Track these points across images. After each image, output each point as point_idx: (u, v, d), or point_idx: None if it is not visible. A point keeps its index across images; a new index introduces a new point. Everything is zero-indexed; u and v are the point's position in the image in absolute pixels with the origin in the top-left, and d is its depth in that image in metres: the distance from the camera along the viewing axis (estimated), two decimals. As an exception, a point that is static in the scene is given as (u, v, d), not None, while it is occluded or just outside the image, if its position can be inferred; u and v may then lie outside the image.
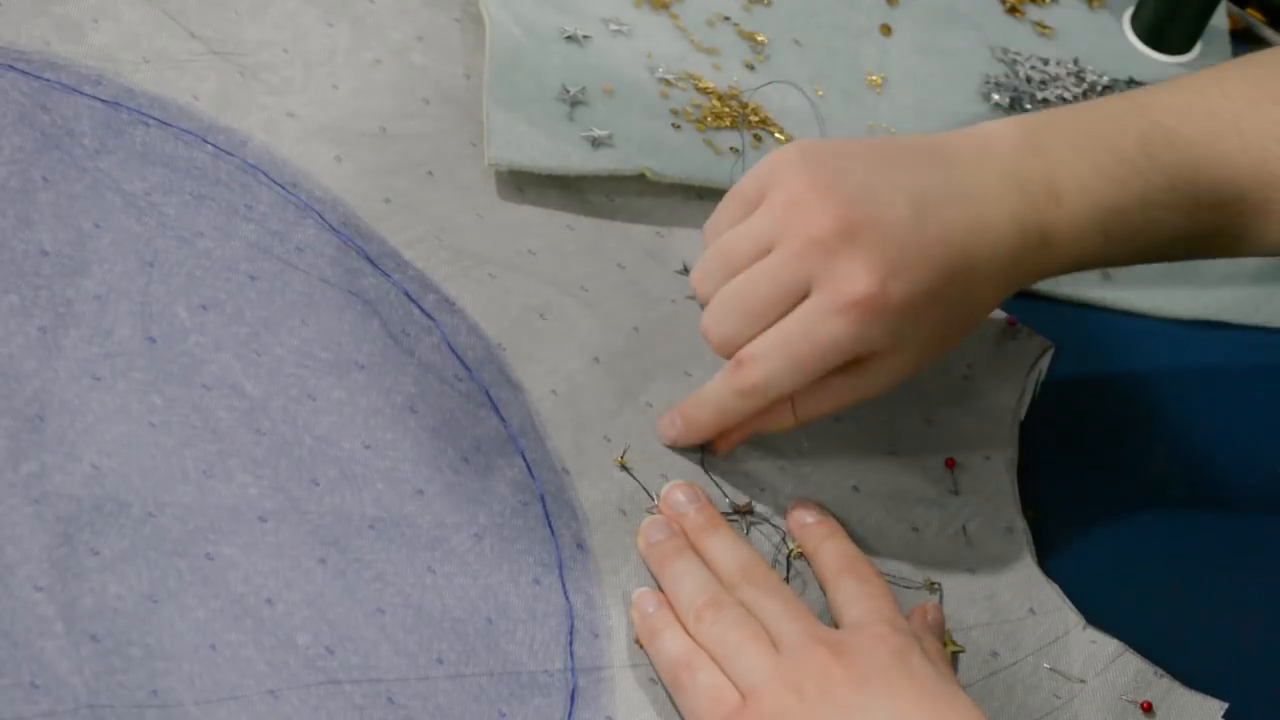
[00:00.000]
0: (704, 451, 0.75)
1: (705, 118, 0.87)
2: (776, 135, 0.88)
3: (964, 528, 0.76)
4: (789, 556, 0.73)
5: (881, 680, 0.66)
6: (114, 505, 0.66)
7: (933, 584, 0.74)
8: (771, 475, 0.75)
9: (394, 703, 0.65)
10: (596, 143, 0.83)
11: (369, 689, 0.65)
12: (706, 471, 0.75)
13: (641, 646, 0.69)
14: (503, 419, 0.74)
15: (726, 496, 0.74)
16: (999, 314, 0.83)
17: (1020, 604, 0.74)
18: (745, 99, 0.89)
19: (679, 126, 0.86)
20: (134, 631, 0.64)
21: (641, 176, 0.83)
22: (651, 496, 0.73)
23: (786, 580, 0.72)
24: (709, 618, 0.68)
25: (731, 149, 0.86)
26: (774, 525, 0.74)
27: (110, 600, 0.64)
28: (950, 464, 0.78)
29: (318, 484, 0.70)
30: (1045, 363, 0.82)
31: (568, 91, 0.85)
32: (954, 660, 0.72)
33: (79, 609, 0.63)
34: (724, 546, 0.71)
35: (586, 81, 0.86)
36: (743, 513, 0.74)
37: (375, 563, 0.68)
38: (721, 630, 0.68)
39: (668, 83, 0.88)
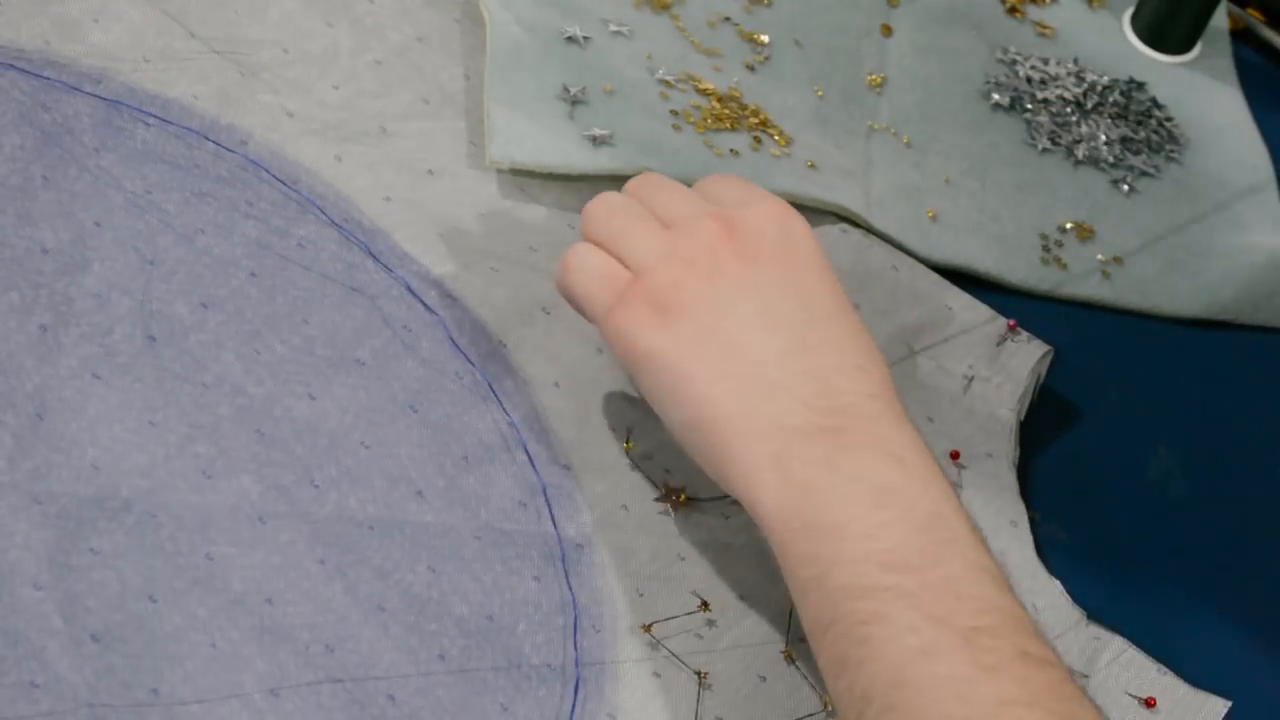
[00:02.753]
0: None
1: (705, 119, 0.87)
2: (775, 137, 0.88)
3: (967, 523, 0.76)
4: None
5: (770, 254, 0.67)
6: (114, 504, 0.66)
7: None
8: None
9: (395, 700, 0.65)
10: (598, 142, 0.83)
11: (370, 687, 0.65)
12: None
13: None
14: (506, 412, 0.74)
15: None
16: (999, 317, 0.83)
17: (1024, 599, 0.74)
18: (745, 100, 0.89)
19: (679, 128, 0.86)
20: (134, 630, 0.63)
21: (642, 177, 0.83)
22: (656, 488, 0.73)
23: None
24: (596, 213, 0.69)
25: (731, 151, 0.86)
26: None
27: (110, 599, 0.64)
28: (955, 456, 0.78)
29: (317, 484, 0.70)
30: (1044, 366, 0.82)
31: (568, 91, 0.85)
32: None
33: (79, 608, 0.63)
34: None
35: (587, 82, 0.86)
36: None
37: (376, 561, 0.68)
38: (607, 220, 0.68)
39: (668, 84, 0.88)
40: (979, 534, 0.63)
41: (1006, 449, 0.79)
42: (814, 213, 0.85)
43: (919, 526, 0.62)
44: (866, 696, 0.59)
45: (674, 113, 0.86)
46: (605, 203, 0.71)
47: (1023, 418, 0.80)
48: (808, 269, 0.68)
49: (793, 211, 0.70)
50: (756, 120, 0.88)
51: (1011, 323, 0.83)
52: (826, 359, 0.66)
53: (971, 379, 0.81)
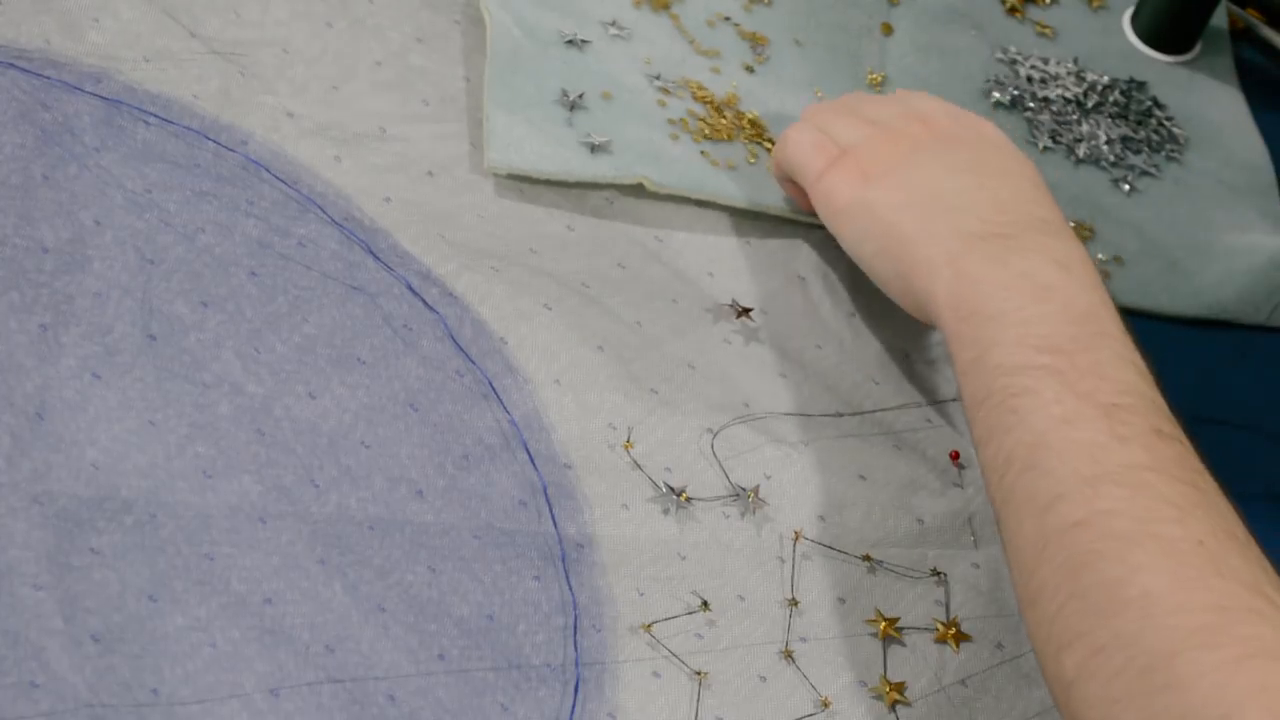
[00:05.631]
0: (711, 437, 0.75)
1: (702, 129, 0.86)
2: (769, 148, 0.87)
3: (969, 521, 0.76)
4: (794, 543, 0.73)
5: (965, 141, 0.77)
6: (114, 504, 0.66)
7: (937, 573, 0.74)
8: (777, 463, 0.75)
9: (395, 700, 0.65)
10: (596, 148, 0.83)
11: (370, 687, 0.65)
12: (715, 456, 0.75)
13: None
14: (506, 410, 0.74)
15: (730, 481, 0.74)
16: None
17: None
18: (742, 108, 0.89)
19: (676, 137, 0.86)
20: (134, 630, 0.63)
21: (640, 185, 0.83)
22: (656, 488, 0.73)
23: (793, 577, 0.73)
24: (812, 110, 0.82)
25: (729, 164, 0.86)
26: (778, 513, 0.74)
27: (111, 599, 0.64)
28: (955, 457, 0.78)
29: (318, 484, 0.70)
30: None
31: (566, 96, 0.85)
32: (961, 648, 0.72)
33: (79, 608, 0.63)
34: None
35: (585, 87, 0.86)
36: (748, 495, 0.74)
37: (376, 561, 0.68)
38: (820, 113, 0.81)
39: (665, 91, 0.88)
40: (1130, 337, 0.70)
41: (1007, 450, 0.79)
42: (813, 213, 0.85)
43: (1074, 319, 0.69)
44: (1009, 459, 0.66)
45: (671, 122, 0.86)
46: (820, 106, 0.83)
47: (1023, 418, 0.80)
48: (999, 153, 0.77)
49: (991, 125, 0.79)
50: (752, 132, 0.88)
51: (1011, 324, 0.83)
52: (1003, 190, 0.75)
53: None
